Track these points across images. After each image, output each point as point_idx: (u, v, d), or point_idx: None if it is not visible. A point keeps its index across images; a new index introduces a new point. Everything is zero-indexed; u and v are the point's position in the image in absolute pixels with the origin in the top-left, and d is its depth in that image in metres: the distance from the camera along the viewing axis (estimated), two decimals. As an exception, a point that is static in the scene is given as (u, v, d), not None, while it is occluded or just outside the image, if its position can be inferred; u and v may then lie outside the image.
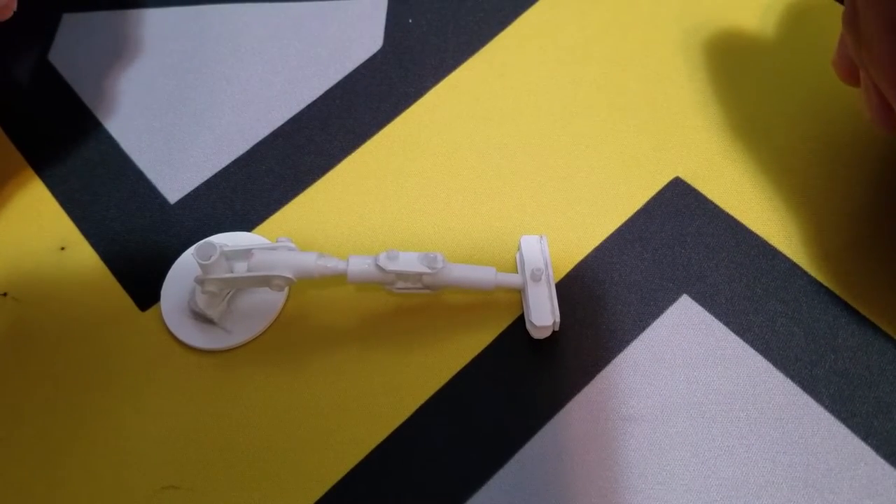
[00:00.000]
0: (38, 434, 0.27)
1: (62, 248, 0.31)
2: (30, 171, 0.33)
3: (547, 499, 0.24)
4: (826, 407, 0.25)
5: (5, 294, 0.30)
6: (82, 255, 0.30)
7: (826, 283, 0.27)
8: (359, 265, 0.26)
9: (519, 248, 0.27)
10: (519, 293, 0.27)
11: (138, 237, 0.30)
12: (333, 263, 0.26)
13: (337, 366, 0.27)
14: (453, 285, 0.26)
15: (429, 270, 0.25)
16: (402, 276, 0.26)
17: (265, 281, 0.26)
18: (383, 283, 0.26)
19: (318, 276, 0.26)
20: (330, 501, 0.25)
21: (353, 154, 0.31)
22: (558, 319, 0.26)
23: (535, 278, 0.26)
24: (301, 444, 0.26)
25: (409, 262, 0.25)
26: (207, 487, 0.25)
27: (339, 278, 0.26)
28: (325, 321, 0.28)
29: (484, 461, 0.25)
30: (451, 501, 0.25)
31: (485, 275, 0.26)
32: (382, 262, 0.25)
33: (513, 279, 0.26)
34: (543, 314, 0.25)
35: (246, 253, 0.27)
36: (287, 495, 0.25)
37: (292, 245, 0.27)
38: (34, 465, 0.26)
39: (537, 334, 0.26)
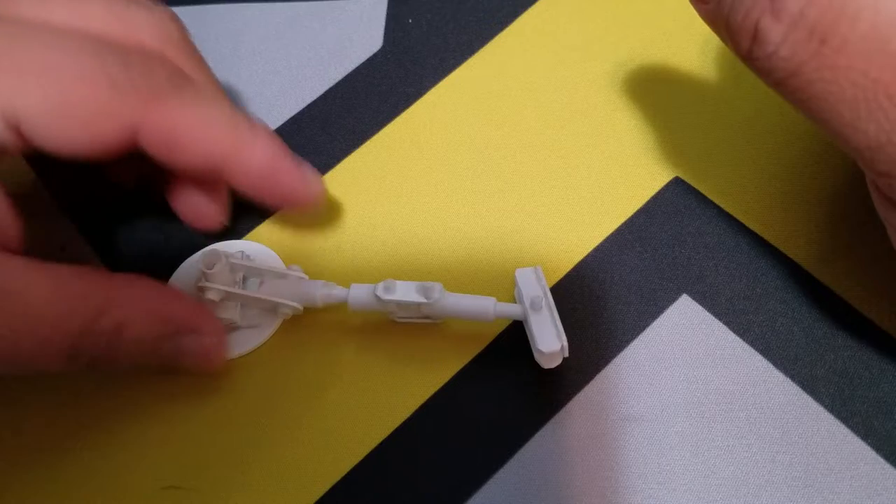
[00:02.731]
0: (37, 434, 0.27)
1: (62, 249, 0.31)
2: (29, 171, 0.33)
3: (547, 499, 0.24)
4: (826, 407, 0.25)
5: (5, 294, 0.30)
6: (82, 256, 0.30)
7: (826, 283, 0.27)
8: (358, 295, 0.26)
9: (515, 283, 0.26)
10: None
11: (138, 237, 0.30)
12: (336, 292, 0.27)
13: (337, 366, 0.27)
14: (452, 315, 0.26)
15: (425, 300, 0.25)
16: (400, 305, 0.26)
17: (272, 307, 0.27)
18: (384, 311, 0.26)
19: (322, 304, 0.27)
20: (330, 501, 0.25)
21: (353, 154, 0.31)
22: (566, 344, 0.25)
23: (536, 307, 0.25)
24: (301, 443, 0.26)
25: (405, 292, 0.26)
26: (208, 487, 0.25)
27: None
28: (325, 320, 0.28)
29: (484, 461, 0.25)
30: (451, 501, 0.25)
31: (484, 306, 0.26)
32: (380, 292, 0.26)
33: (513, 309, 0.26)
34: (549, 340, 0.25)
35: (258, 272, 0.27)
36: (287, 495, 0.25)
37: (302, 274, 0.27)
38: (34, 465, 0.26)
39: (546, 363, 0.25)
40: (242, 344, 0.27)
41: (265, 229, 0.30)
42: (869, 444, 0.24)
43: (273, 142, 0.26)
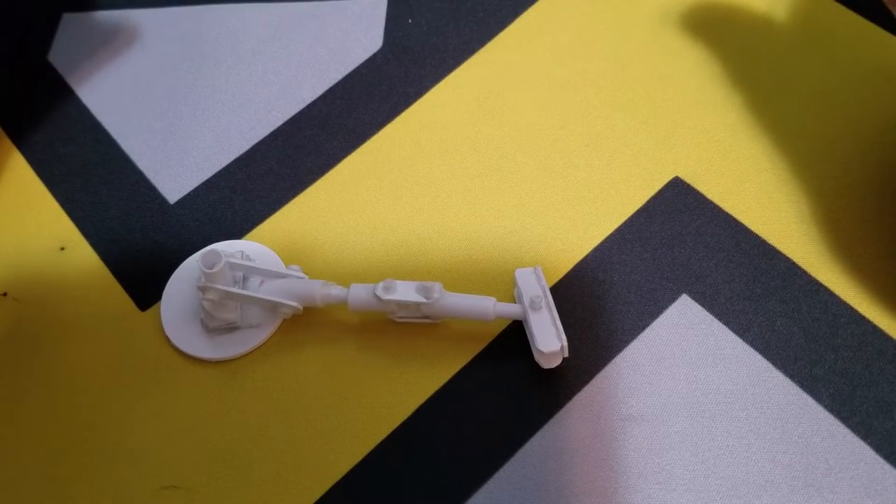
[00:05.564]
0: (38, 434, 0.27)
1: (62, 248, 0.31)
2: (30, 171, 0.33)
3: (547, 499, 0.24)
4: (826, 407, 0.25)
5: (5, 294, 0.30)
6: (82, 255, 0.30)
7: (826, 283, 0.27)
8: (358, 294, 0.26)
9: (515, 283, 0.26)
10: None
11: (138, 237, 0.30)
12: (336, 291, 0.27)
13: (336, 366, 0.27)
14: (452, 315, 0.26)
15: (425, 300, 0.25)
16: (400, 305, 0.26)
17: (273, 307, 0.27)
18: (384, 311, 0.26)
19: (322, 304, 0.27)
20: (330, 501, 0.25)
21: (352, 154, 0.31)
22: (566, 344, 0.25)
23: (535, 307, 0.25)
24: (301, 444, 0.26)
25: (405, 292, 0.26)
26: (207, 487, 0.25)
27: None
28: (324, 321, 0.28)
29: (484, 461, 0.25)
30: (451, 501, 0.25)
31: (484, 305, 0.26)
32: (380, 292, 0.26)
33: (513, 309, 0.26)
34: (549, 340, 0.25)
35: (258, 272, 0.27)
36: (287, 495, 0.25)
37: (302, 274, 0.27)
38: (34, 465, 0.26)
39: (546, 363, 0.25)
40: (242, 344, 0.27)
41: (265, 229, 0.30)
42: (869, 444, 0.24)
43: None
